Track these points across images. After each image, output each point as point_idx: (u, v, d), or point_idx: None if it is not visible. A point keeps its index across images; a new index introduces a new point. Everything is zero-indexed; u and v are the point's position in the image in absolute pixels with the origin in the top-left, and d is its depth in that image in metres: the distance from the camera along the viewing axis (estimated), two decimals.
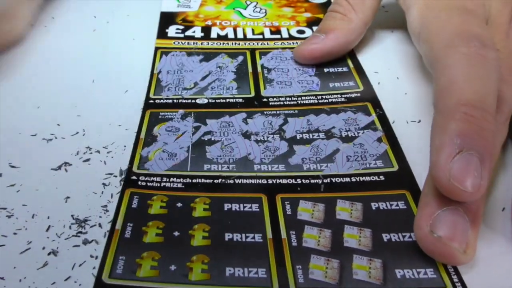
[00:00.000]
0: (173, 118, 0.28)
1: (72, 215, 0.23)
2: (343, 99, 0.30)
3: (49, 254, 0.21)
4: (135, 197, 0.22)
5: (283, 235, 0.21)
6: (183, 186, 0.23)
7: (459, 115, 0.21)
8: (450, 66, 0.23)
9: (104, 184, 0.24)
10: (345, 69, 0.32)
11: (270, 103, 0.29)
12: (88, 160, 0.26)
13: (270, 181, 0.24)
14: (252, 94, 0.30)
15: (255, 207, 0.23)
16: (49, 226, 0.22)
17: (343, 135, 0.27)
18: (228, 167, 0.25)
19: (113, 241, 0.20)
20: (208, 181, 0.24)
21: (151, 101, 0.29)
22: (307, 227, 0.22)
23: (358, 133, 0.27)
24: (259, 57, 0.33)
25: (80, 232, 0.22)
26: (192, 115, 0.28)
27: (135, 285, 0.19)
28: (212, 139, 0.26)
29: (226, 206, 0.22)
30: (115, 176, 0.25)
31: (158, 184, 0.23)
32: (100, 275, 0.19)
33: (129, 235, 0.21)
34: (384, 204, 0.23)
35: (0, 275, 0.20)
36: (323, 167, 0.25)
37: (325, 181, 0.24)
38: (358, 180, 0.24)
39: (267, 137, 0.27)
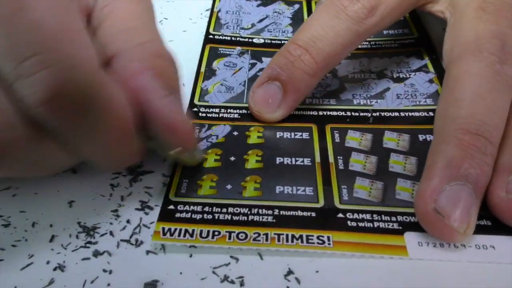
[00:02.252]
0: (231, 54, 0.29)
1: (78, 222, 0.20)
2: (396, 45, 0.30)
3: (55, 269, 0.18)
4: (196, 128, 0.24)
5: (331, 159, 0.23)
6: (239, 117, 0.25)
7: (456, 140, 0.19)
8: (460, 80, 0.21)
9: (112, 185, 0.22)
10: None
11: None
12: None
13: (320, 112, 0.25)
14: None
15: (305, 135, 0.24)
16: (53, 236, 0.19)
17: (395, 76, 0.27)
18: None
19: (178, 168, 0.22)
20: None
21: (211, 36, 0.31)
22: (354, 153, 0.23)
23: (409, 74, 0.27)
24: (314, 7, 0.34)
25: (89, 242, 0.19)
26: (249, 52, 0.29)
27: (196, 201, 0.21)
28: None
29: (278, 134, 0.24)
30: (124, 176, 0.22)
31: (217, 115, 0.25)
32: (168, 194, 0.21)
33: None
34: (432, 136, 0.23)
35: None
36: (373, 102, 0.26)
37: (374, 114, 0.25)
38: (407, 115, 0.25)
39: None
